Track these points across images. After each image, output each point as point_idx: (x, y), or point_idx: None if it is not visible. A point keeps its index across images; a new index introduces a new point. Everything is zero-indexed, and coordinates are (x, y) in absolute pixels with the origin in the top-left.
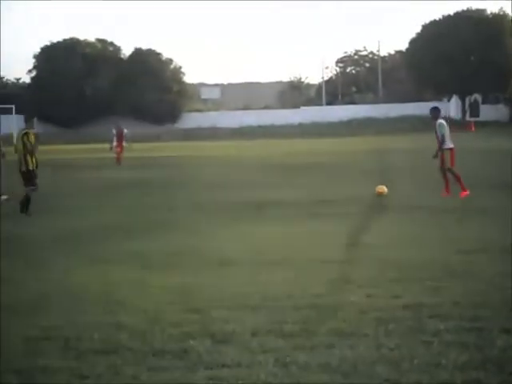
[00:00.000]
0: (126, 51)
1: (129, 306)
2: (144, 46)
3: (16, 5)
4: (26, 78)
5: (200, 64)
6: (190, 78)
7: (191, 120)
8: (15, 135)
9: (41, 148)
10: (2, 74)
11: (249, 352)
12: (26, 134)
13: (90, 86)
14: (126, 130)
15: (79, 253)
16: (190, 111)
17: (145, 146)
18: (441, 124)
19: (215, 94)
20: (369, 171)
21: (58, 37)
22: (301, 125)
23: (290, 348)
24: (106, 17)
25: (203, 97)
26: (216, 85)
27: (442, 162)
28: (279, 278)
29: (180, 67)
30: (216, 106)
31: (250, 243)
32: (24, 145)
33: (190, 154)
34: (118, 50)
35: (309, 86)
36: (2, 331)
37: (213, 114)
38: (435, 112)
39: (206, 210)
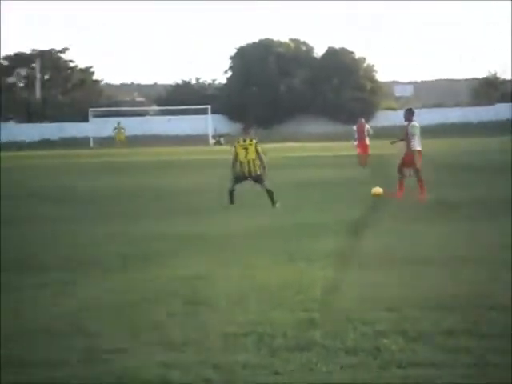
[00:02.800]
0: (319, 50)
1: (322, 304)
2: (337, 46)
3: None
4: (222, 79)
5: (393, 62)
6: (383, 76)
7: (385, 118)
8: (210, 135)
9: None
10: (199, 76)
11: (443, 351)
12: (257, 143)
13: (283, 86)
14: (368, 126)
15: (277, 250)
16: (384, 109)
17: (339, 145)
18: (413, 126)
19: (408, 92)
20: None
21: (252, 38)
22: (494, 122)
23: (484, 348)
24: (300, 17)
25: (397, 95)
26: (409, 82)
27: (404, 163)
28: (474, 278)
29: (373, 65)
30: (409, 103)
31: (442, 241)
32: (257, 153)
33: (383, 152)
34: (311, 49)
35: (505, 81)
36: (203, 326)
37: None
38: (409, 114)
39: (401, 208)
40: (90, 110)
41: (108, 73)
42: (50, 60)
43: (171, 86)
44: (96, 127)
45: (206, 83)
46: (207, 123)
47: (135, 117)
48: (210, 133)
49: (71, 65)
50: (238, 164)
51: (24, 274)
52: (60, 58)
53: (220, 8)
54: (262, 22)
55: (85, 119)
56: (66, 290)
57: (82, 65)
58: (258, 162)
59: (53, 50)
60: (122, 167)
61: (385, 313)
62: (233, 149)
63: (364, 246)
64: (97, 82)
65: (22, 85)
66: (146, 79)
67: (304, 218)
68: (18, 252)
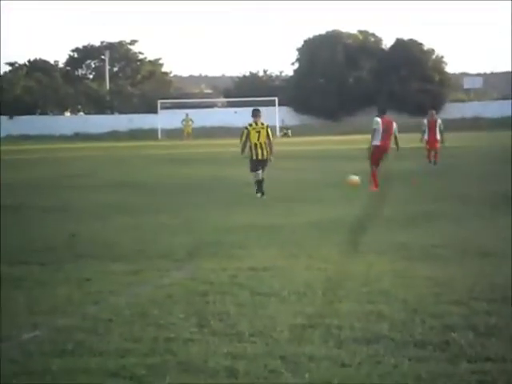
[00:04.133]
0: (388, 42)
1: (390, 296)
2: (406, 37)
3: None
4: (289, 71)
5: (462, 54)
6: (452, 67)
7: (454, 110)
8: (278, 127)
9: (306, 140)
10: (266, 67)
11: None
12: (268, 126)
13: (351, 77)
14: (439, 120)
15: (344, 241)
16: (453, 101)
17: (406, 137)
18: (374, 120)
19: (477, 84)
20: None
21: (320, 30)
22: None
23: None
24: (367, 9)
25: (466, 87)
26: (478, 74)
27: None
28: None
29: (442, 57)
30: (478, 95)
31: (508, 234)
32: (268, 136)
33: (451, 144)
34: (379, 40)
35: None
36: (270, 318)
37: (475, 104)
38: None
39: (468, 201)
40: (159, 101)
41: (177, 65)
42: (120, 52)
43: (239, 77)
44: (164, 119)
45: (273, 75)
46: (274, 115)
47: (203, 109)
48: (278, 125)
49: (140, 57)
50: (251, 147)
51: (92, 263)
52: (129, 49)
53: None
54: (329, 13)
55: (153, 111)
56: (133, 280)
57: (151, 57)
58: (267, 146)
59: (122, 41)
60: (189, 158)
61: (453, 306)
62: (244, 131)
63: (431, 239)
64: (165, 73)
65: (91, 77)
66: (213, 71)
67: (370, 210)
68: (86, 241)
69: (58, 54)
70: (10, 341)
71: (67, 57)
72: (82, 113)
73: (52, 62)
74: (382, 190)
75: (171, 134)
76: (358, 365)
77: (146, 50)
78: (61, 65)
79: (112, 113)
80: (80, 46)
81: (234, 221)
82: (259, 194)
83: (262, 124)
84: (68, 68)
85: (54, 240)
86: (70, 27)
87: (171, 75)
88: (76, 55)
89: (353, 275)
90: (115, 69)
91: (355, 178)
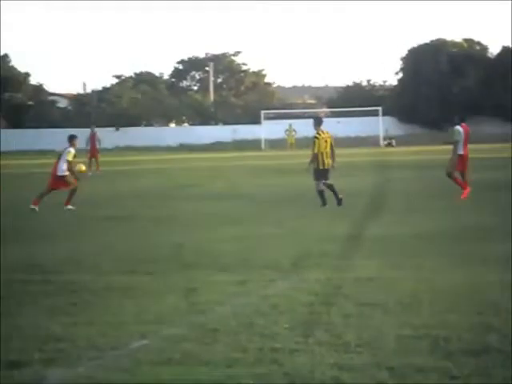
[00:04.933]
0: (494, 50)
1: (499, 308)
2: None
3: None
4: (393, 81)
5: None
6: None
7: None
8: (381, 136)
9: (410, 149)
10: (369, 77)
11: None
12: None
13: (456, 86)
14: None
15: (450, 252)
16: None
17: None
18: (456, 130)
19: None
20: None
21: (424, 39)
22: None
23: None
24: (474, 16)
25: None
26: None
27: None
28: None
29: None
30: None
31: None
32: (331, 146)
33: None
34: (485, 49)
35: None
36: (376, 328)
37: None
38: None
39: None
40: (262, 112)
41: (280, 75)
42: (223, 63)
43: (342, 87)
44: (268, 129)
45: (376, 85)
46: (378, 125)
47: (306, 119)
48: (381, 134)
49: (244, 68)
50: (318, 155)
51: (198, 273)
52: (233, 61)
53: (391, 9)
54: (433, 22)
55: (257, 121)
56: (239, 290)
57: (254, 68)
58: (330, 155)
59: (226, 53)
60: (292, 168)
61: None
62: (315, 141)
63: None
64: (269, 84)
65: (195, 88)
66: (317, 81)
67: (476, 221)
68: (192, 251)
69: (163, 66)
70: (119, 349)
71: (172, 69)
72: (186, 124)
73: (157, 73)
74: (484, 200)
75: (274, 144)
76: (467, 377)
77: (250, 61)
78: (166, 76)
79: (216, 124)
80: (185, 57)
81: (338, 231)
82: (327, 205)
83: (327, 133)
84: (173, 80)
85: (162, 250)
86: (176, 39)
87: (274, 86)
88: (181, 67)
89: (459, 286)
90: (219, 80)
91: (81, 167)
